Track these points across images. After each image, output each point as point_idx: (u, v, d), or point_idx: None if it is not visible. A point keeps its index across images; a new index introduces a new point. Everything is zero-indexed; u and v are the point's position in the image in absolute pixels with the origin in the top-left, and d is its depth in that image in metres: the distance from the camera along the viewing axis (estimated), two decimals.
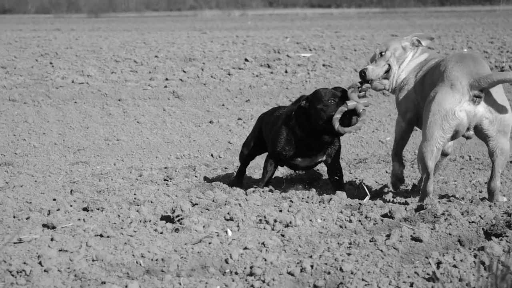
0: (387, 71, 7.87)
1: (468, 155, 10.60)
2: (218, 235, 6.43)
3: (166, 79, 18.14)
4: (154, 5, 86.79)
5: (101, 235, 6.54)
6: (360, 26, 39.34)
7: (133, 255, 5.91)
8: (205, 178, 9.17)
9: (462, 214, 6.82)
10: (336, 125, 7.71)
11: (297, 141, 8.13)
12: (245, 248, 6.03)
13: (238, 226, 6.79)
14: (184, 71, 19.23)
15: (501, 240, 6.04)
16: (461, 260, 5.58)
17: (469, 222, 6.56)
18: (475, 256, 5.76)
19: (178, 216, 6.97)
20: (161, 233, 6.66)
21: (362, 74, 7.87)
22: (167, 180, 9.05)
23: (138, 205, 7.57)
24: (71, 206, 7.57)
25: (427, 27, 36.64)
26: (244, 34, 33.21)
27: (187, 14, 74.00)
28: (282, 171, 9.68)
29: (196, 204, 7.55)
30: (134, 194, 8.06)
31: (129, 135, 12.72)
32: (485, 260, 5.59)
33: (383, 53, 7.87)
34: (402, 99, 7.75)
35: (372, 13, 67.19)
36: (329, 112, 7.81)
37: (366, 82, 7.86)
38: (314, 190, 8.20)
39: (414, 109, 7.67)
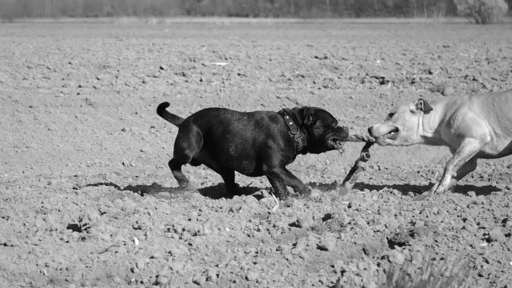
0: (393, 131, 8.47)
1: (377, 165, 10.78)
2: (125, 244, 6.39)
3: (79, 86, 17.91)
4: (71, 11, 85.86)
5: (5, 244, 6.42)
6: (277, 36, 39.63)
7: (37, 264, 5.82)
8: (115, 187, 9.08)
9: (368, 223, 6.94)
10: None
11: (297, 148, 8.35)
12: (152, 257, 6.01)
13: (145, 235, 6.75)
14: (98, 79, 19.01)
15: (404, 248, 6.17)
16: (365, 269, 5.68)
17: (374, 231, 6.68)
18: (378, 264, 5.87)
19: (85, 224, 6.89)
20: (67, 242, 6.58)
21: (369, 131, 8.50)
22: (76, 189, 8.94)
23: (45, 214, 7.45)
24: None
25: (342, 38, 37.15)
26: (161, 42, 33.08)
27: (103, 21, 73.40)
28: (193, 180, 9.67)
29: (104, 212, 7.48)
30: (42, 203, 7.94)
31: (39, 142, 12.52)
32: (388, 268, 5.70)
33: (392, 115, 8.47)
34: (474, 127, 8.24)
35: (289, 23, 67.82)
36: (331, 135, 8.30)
37: (373, 137, 8.47)
38: (224, 199, 8.21)
39: (491, 130, 8.25)
